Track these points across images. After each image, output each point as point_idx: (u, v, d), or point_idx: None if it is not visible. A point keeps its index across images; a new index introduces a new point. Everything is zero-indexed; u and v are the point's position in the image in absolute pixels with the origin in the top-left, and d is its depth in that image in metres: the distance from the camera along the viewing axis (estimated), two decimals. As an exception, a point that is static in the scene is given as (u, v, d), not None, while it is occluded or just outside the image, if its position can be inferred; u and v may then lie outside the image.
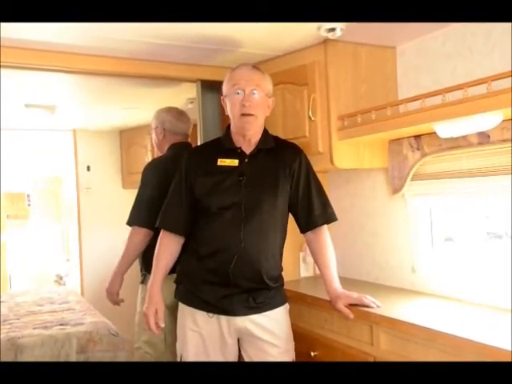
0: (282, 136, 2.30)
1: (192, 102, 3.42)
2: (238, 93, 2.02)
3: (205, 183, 2.06)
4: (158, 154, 2.83)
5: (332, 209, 2.19)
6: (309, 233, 2.18)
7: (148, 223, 2.40)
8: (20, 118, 4.13)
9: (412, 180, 2.42)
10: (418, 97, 2.02)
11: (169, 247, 2.13)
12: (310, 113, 2.46)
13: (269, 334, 2.04)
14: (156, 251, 2.15)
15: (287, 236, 2.16)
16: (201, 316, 2.05)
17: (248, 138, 2.08)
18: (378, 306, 2.08)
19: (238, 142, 2.09)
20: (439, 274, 2.36)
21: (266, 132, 2.14)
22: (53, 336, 3.03)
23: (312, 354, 2.33)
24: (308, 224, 2.16)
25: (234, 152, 2.08)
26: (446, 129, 1.97)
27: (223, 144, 2.12)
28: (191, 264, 2.09)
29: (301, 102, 2.53)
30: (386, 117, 2.14)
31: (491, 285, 2.13)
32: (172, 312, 2.24)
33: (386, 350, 2.01)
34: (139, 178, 2.62)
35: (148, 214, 2.39)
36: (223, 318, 2.03)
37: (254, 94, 2.02)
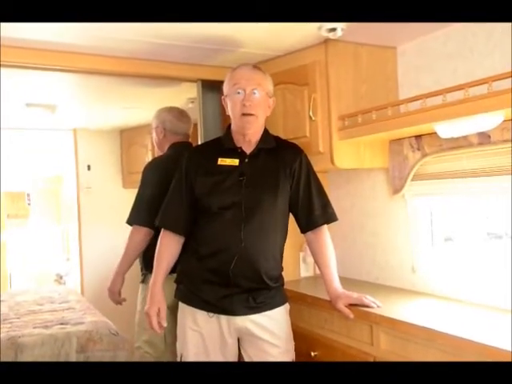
0: (282, 136, 2.30)
1: (192, 102, 3.41)
2: (238, 92, 2.02)
3: (205, 183, 2.06)
4: (158, 153, 2.83)
5: (332, 209, 2.19)
6: (309, 233, 2.18)
7: (148, 222, 2.41)
8: (20, 117, 4.13)
9: (412, 180, 2.42)
10: (418, 97, 2.02)
11: (169, 247, 2.13)
12: (311, 113, 2.46)
13: (269, 334, 2.04)
14: (157, 251, 2.15)
15: (287, 236, 2.16)
16: (201, 316, 2.05)
17: (248, 137, 2.08)
18: (378, 306, 2.08)
19: (239, 141, 2.09)
20: (439, 274, 2.36)
21: (266, 132, 2.14)
22: (53, 335, 3.03)
23: (312, 353, 2.33)
24: (308, 224, 2.16)
25: (235, 152, 2.08)
26: (447, 129, 1.97)
27: (223, 144, 2.12)
28: (191, 264, 2.09)
29: (301, 101, 2.53)
30: (387, 117, 2.14)
31: (491, 285, 2.13)
32: (172, 312, 2.24)
33: (385, 350, 2.01)
34: (139, 177, 2.61)
35: (148, 213, 2.39)
36: (223, 318, 2.03)
37: (254, 93, 2.02)
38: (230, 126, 2.15)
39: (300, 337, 2.22)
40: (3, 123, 4.21)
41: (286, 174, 2.09)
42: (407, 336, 1.90)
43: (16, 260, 7.20)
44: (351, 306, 2.09)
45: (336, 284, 2.15)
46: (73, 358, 2.97)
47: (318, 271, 2.42)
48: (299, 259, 2.92)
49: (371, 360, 2.06)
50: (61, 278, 6.50)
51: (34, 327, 3.23)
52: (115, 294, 2.61)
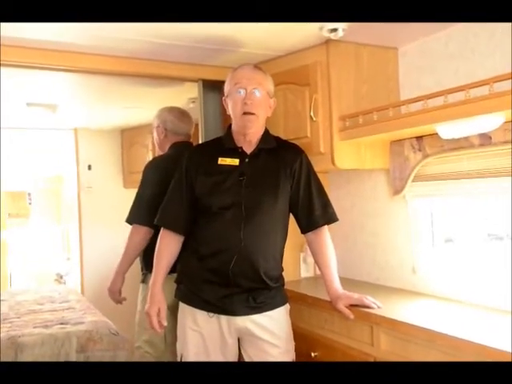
0: (283, 136, 2.30)
1: (193, 102, 3.41)
2: (239, 91, 2.02)
3: (205, 182, 2.06)
4: (159, 153, 2.84)
5: (333, 209, 2.19)
6: (309, 233, 2.18)
7: (148, 222, 2.40)
8: (21, 116, 4.13)
9: (413, 181, 2.42)
10: (420, 98, 2.02)
11: (169, 246, 2.13)
12: (312, 113, 2.46)
13: (269, 334, 2.04)
14: (156, 250, 2.15)
15: (288, 236, 2.16)
16: (201, 316, 2.05)
17: (249, 137, 2.08)
18: (378, 307, 2.08)
19: (239, 141, 2.10)
20: (440, 275, 2.36)
21: (266, 132, 2.15)
22: (53, 335, 3.03)
23: (312, 354, 2.33)
24: (309, 224, 2.16)
25: (235, 151, 2.09)
26: (448, 130, 1.97)
27: (224, 143, 2.12)
28: (191, 264, 2.09)
29: (302, 102, 2.53)
30: (388, 118, 2.14)
31: (491, 286, 2.12)
32: (172, 312, 2.24)
33: (386, 350, 2.01)
34: (140, 177, 2.62)
35: (148, 212, 2.38)
36: (223, 318, 2.03)
37: (255, 92, 2.02)
38: (230, 125, 2.15)
39: (300, 337, 2.22)
40: (4, 123, 4.22)
41: (286, 175, 2.09)
42: (407, 337, 1.90)
43: (16, 259, 7.20)
44: (352, 306, 2.09)
45: (336, 284, 2.15)
46: (73, 357, 2.96)
47: (318, 271, 2.43)
48: (300, 259, 2.92)
49: (371, 360, 2.06)
50: (61, 277, 6.49)
51: (34, 327, 3.22)
52: (115, 294, 2.61)
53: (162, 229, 2.16)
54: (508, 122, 1.88)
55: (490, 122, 1.83)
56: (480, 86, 1.78)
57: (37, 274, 6.99)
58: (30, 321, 3.40)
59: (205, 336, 2.05)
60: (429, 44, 2.42)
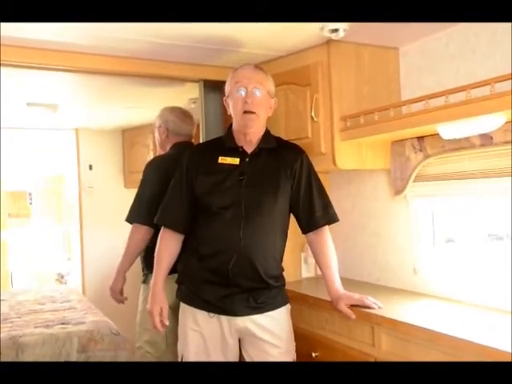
0: (284, 137, 2.30)
1: (194, 102, 3.41)
2: (240, 91, 2.03)
3: (205, 182, 2.06)
4: (160, 152, 2.83)
5: (333, 210, 2.19)
6: (310, 233, 2.18)
7: (148, 221, 2.40)
8: (22, 116, 4.13)
9: (414, 181, 2.42)
10: (421, 98, 2.02)
11: (169, 245, 2.14)
12: (313, 113, 2.46)
13: (270, 335, 2.04)
14: (157, 250, 2.15)
15: (288, 236, 2.16)
16: (202, 316, 2.05)
17: (249, 137, 2.08)
18: (379, 307, 2.08)
19: (240, 141, 2.10)
20: (440, 275, 2.36)
21: (267, 132, 2.15)
22: (54, 335, 3.03)
23: (313, 354, 2.33)
24: (309, 225, 2.16)
25: (235, 151, 2.09)
26: (449, 130, 1.97)
27: (225, 143, 2.13)
28: (192, 264, 2.09)
29: (303, 102, 2.52)
30: (389, 118, 2.14)
31: (492, 286, 2.12)
32: (173, 312, 2.24)
33: (387, 351, 2.01)
34: (141, 177, 2.61)
35: (148, 211, 2.38)
36: (224, 318, 2.03)
37: (256, 92, 2.03)
38: (231, 125, 2.15)
39: (301, 337, 2.22)
40: (4, 123, 4.22)
41: (286, 175, 2.09)
42: (408, 337, 1.90)
43: (17, 259, 7.20)
44: (352, 306, 2.09)
45: (337, 285, 2.15)
46: (74, 357, 2.96)
47: (319, 272, 2.43)
48: (300, 260, 2.92)
49: (372, 361, 2.06)
50: (62, 277, 6.49)
51: (35, 327, 3.23)
52: (117, 293, 2.61)
53: (162, 228, 2.16)
54: (509, 122, 1.88)
55: (491, 122, 1.83)
56: (481, 86, 1.78)
57: (38, 273, 6.99)
58: (31, 321, 3.40)
59: (205, 336, 2.05)
60: (429, 44, 2.42)
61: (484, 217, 2.30)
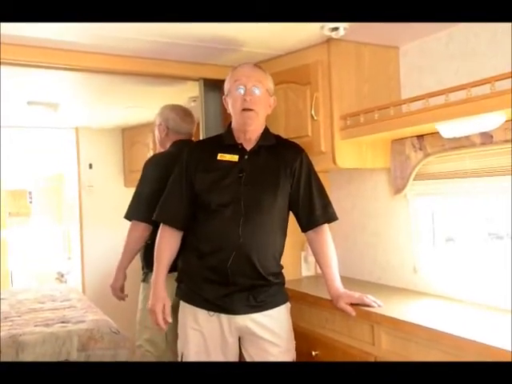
0: (284, 135, 2.30)
1: (194, 101, 3.41)
2: (239, 89, 2.03)
3: (204, 179, 2.06)
4: (159, 150, 2.83)
5: (333, 209, 2.19)
6: (310, 232, 2.18)
7: (147, 218, 2.39)
8: (22, 115, 4.13)
9: (414, 180, 2.42)
10: (421, 96, 2.02)
11: (169, 242, 2.13)
12: (313, 112, 2.46)
13: (270, 333, 2.04)
14: (156, 248, 2.15)
15: (289, 235, 2.16)
16: (202, 315, 2.05)
17: (249, 135, 2.08)
18: (379, 306, 2.08)
19: (239, 138, 2.10)
20: (440, 274, 2.36)
21: (266, 130, 2.15)
22: (54, 333, 3.03)
23: (313, 353, 2.33)
24: (309, 223, 2.16)
25: (235, 148, 2.09)
26: (449, 129, 1.97)
27: (224, 140, 2.13)
28: (191, 262, 2.09)
29: (303, 101, 2.52)
30: (389, 116, 2.14)
31: (492, 285, 2.12)
32: (174, 310, 2.24)
33: (387, 349, 2.01)
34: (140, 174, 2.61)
35: (147, 208, 2.37)
36: (224, 317, 2.03)
37: (255, 90, 2.03)
38: (231, 123, 2.15)
39: (301, 336, 2.22)
40: (5, 121, 4.21)
41: (286, 173, 2.09)
42: (408, 336, 1.90)
43: (17, 258, 7.20)
44: (352, 305, 2.09)
45: (337, 283, 2.15)
46: (74, 356, 2.97)
47: (319, 270, 2.42)
48: (300, 258, 2.92)
49: (372, 360, 2.06)
50: (62, 276, 6.49)
51: (35, 325, 3.23)
52: (118, 290, 2.61)
53: (161, 225, 2.16)
54: (509, 120, 1.88)
55: (491, 120, 1.83)
56: (481, 84, 1.78)
57: (38, 272, 6.99)
58: (30, 319, 3.41)
59: (205, 335, 2.05)
60: (430, 44, 2.42)
61: (484, 216, 2.29)
